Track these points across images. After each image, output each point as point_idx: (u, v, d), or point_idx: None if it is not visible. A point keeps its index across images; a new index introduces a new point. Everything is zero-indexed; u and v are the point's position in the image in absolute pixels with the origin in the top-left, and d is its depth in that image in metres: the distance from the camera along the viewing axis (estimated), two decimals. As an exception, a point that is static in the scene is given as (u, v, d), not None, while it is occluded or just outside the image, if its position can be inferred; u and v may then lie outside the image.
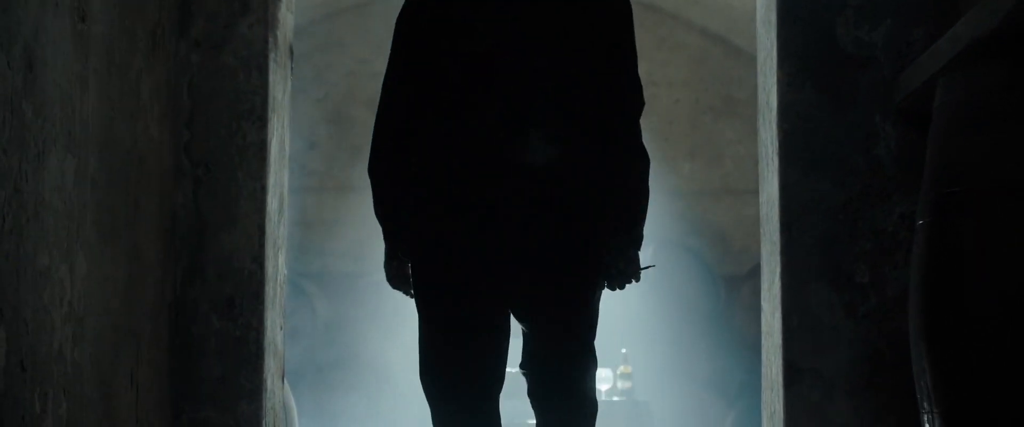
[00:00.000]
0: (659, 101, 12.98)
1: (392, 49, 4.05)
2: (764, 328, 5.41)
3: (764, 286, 5.41)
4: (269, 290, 5.18)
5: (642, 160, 4.13)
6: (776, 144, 5.17)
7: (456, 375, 3.89)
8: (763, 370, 5.43)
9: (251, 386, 5.04)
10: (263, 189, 5.11)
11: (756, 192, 13.08)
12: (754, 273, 12.01)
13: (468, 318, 3.84)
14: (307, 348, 12.24)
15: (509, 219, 3.79)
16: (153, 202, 4.81)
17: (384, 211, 4.16)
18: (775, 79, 5.17)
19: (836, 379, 4.99)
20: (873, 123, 5.07)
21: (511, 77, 3.80)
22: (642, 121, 4.29)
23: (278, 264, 5.35)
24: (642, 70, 4.15)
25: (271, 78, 5.17)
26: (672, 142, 12.93)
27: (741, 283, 12.26)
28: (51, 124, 3.78)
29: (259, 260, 5.10)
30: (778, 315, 5.10)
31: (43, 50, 3.73)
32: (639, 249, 4.09)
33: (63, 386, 3.87)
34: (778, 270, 5.12)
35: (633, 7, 4.22)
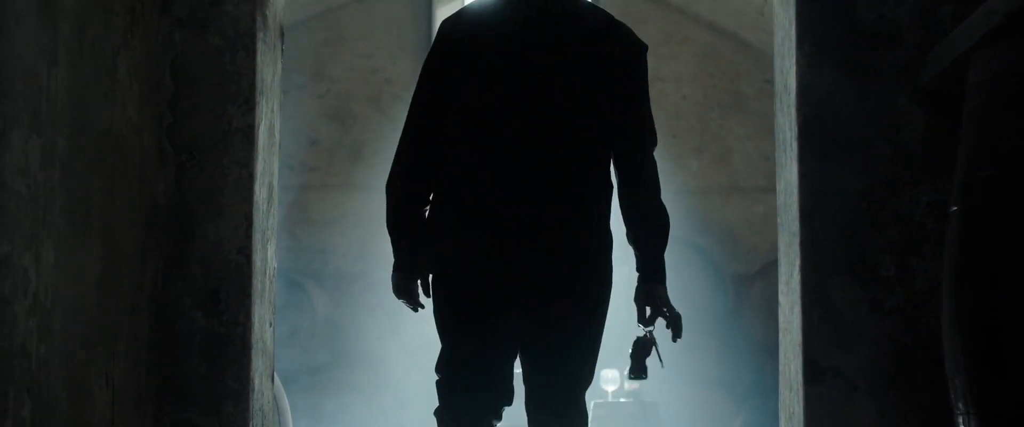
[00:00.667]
0: (666, 97, 12.65)
1: (422, 67, 4.21)
2: (782, 324, 5.08)
3: (782, 279, 5.07)
4: (257, 284, 4.85)
5: (659, 191, 4.20)
6: (795, 130, 4.83)
7: (467, 388, 4.03)
8: (781, 369, 5.09)
9: (237, 386, 4.71)
10: (250, 176, 4.78)
11: (765, 189, 12.86)
12: (763, 272, 11.69)
13: (482, 335, 3.98)
14: (306, 348, 11.93)
15: (525, 246, 3.96)
16: (131, 189, 4.47)
17: (397, 226, 4.21)
18: (793, 60, 4.83)
19: (859, 378, 4.65)
20: (898, 106, 4.73)
21: (531, 105, 3.96)
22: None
23: (267, 256, 5.02)
24: (648, 65, 4.23)
25: (259, 59, 4.83)
26: (680, 138, 12.60)
27: (750, 282, 11.96)
28: (13, 101, 3.45)
29: (246, 252, 4.77)
30: (797, 310, 4.77)
31: (4, 19, 3.40)
32: (663, 283, 4.23)
33: (26, 385, 3.54)
34: (797, 262, 4.78)
35: (640, 1, 4.02)
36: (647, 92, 4.22)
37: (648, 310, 4.25)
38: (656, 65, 12.56)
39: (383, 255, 11.58)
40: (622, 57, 4.08)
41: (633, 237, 4.18)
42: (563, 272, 3.97)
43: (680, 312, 4.28)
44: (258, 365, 4.86)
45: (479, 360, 3.98)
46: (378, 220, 12.58)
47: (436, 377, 4.06)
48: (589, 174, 4.01)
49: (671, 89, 12.75)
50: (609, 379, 10.00)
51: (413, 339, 11.47)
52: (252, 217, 4.78)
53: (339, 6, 12.79)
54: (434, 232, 4.05)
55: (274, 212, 5.21)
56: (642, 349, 4.26)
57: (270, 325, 5.09)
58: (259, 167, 4.87)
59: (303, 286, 12.09)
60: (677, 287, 11.12)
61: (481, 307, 3.96)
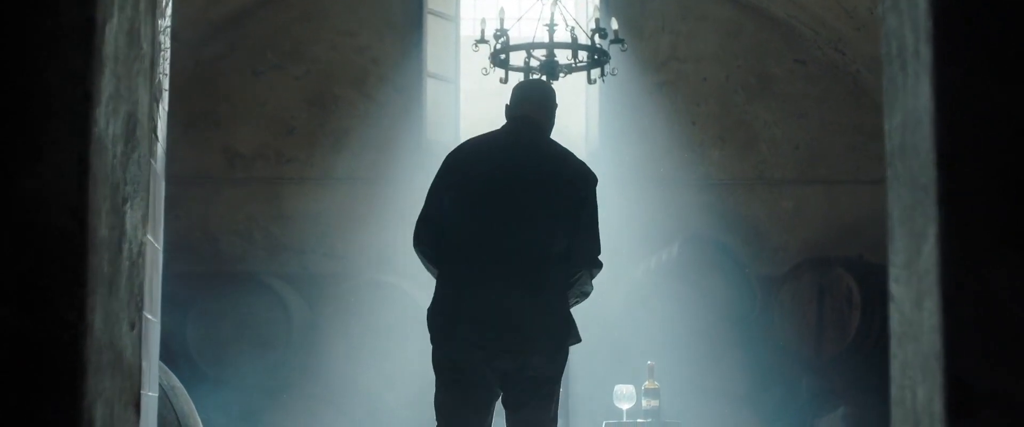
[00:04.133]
0: (685, 79, 11.03)
1: (435, 177, 5.56)
2: (898, 328, 3.24)
3: (897, 260, 3.24)
4: (100, 263, 3.03)
5: (583, 293, 5.45)
6: (926, 27, 3.00)
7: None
8: (897, 394, 3.26)
9: (59, 421, 2.89)
10: (87, 97, 2.96)
11: (795, 182, 11.15)
12: (794, 273, 10.05)
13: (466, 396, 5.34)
14: (280, 360, 10.19)
15: (495, 337, 5.22)
16: None
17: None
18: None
19: (1036, 410, 2.84)
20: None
21: (503, 217, 5.29)
22: None
23: (127, 225, 3.20)
24: (664, 43, 4.99)
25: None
26: (700, 125, 10.99)
27: (779, 285, 10.41)
28: None
29: (80, 214, 2.94)
30: (933, 306, 2.94)
31: None
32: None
33: None
34: (932, 232, 2.95)
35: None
36: (596, 216, 5.36)
37: None
38: (673, 43, 11.01)
39: (370, 255, 9.92)
40: (575, 179, 5.39)
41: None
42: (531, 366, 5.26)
43: None
44: (100, 387, 3.04)
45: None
46: (362, 216, 10.74)
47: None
48: (551, 269, 5.28)
49: (690, 70, 11.08)
50: (624, 395, 8.25)
51: (397, 352, 9.77)
52: (89, 161, 2.96)
53: (319, -24, 11.09)
54: (431, 326, 5.46)
55: (146, 163, 3.39)
56: None
57: (132, 327, 3.28)
58: (106, 85, 3.05)
59: (277, 291, 10.36)
60: (699, 291, 9.56)
61: (465, 398, 5.27)
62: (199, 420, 4.64)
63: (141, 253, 3.35)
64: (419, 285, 10.46)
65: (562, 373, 5.30)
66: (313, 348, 10.26)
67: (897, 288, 3.24)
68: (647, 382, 8.32)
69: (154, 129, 4.06)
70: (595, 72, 8.74)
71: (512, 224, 5.25)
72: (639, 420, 8.32)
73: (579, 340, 5.33)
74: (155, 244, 3.96)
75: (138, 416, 3.35)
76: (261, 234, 11.04)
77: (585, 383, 9.16)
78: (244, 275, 10.61)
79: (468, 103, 11.33)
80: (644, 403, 8.28)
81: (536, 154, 5.44)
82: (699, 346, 9.99)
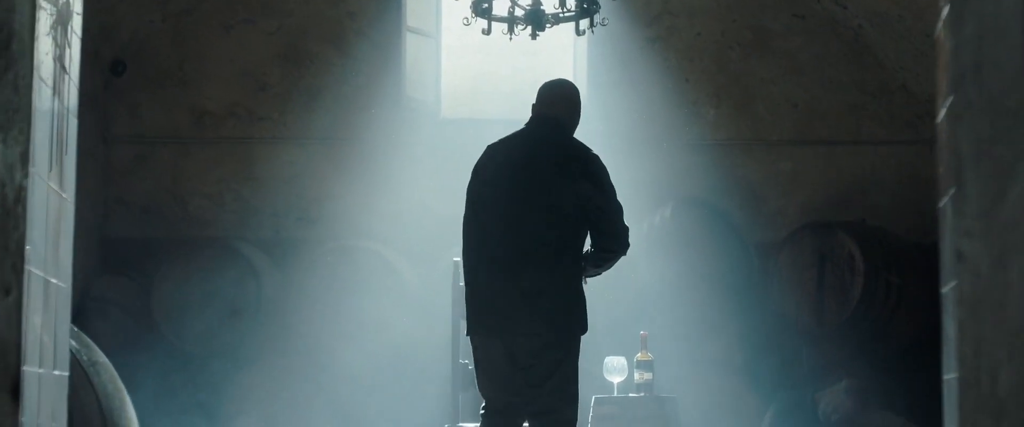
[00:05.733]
0: (678, 34, 10.46)
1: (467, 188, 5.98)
2: (970, 293, 2.56)
3: (970, 208, 2.56)
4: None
5: (614, 259, 5.84)
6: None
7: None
8: (966, 376, 2.57)
9: None
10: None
11: (794, 142, 10.42)
12: (793, 239, 9.56)
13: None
14: (250, 329, 9.58)
15: (514, 325, 5.63)
16: None
17: None
18: None
19: None
20: None
21: (515, 215, 5.64)
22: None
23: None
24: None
25: None
26: (694, 83, 10.42)
27: (777, 251, 9.99)
28: None
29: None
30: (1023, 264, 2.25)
31: None
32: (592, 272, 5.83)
33: None
34: None
35: None
36: (604, 187, 5.67)
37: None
38: (667, -6, 10.37)
39: (346, 219, 9.26)
40: (569, 160, 5.67)
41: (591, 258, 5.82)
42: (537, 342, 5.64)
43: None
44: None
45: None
46: (338, 178, 10.08)
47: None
48: (550, 254, 5.62)
49: (683, 25, 10.47)
50: (615, 368, 7.61)
51: (374, 321, 9.18)
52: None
53: (291, -77, 10.42)
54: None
55: (26, 88, 2.67)
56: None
57: (7, 293, 2.57)
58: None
59: (248, 257, 9.74)
60: (693, 257, 8.94)
61: (490, 380, 5.70)
62: (128, 400, 3.95)
63: (20, 200, 2.64)
64: (398, 250, 9.83)
65: (571, 353, 5.60)
66: (285, 317, 9.66)
67: (969, 244, 2.56)
68: (640, 354, 7.73)
69: (61, 59, 3.35)
70: (584, 22, 8.08)
71: (512, 217, 5.62)
72: (631, 394, 7.72)
73: (583, 325, 5.65)
74: (61, 194, 3.25)
75: (17, 401, 2.64)
76: (231, 197, 10.41)
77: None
78: (213, 240, 10.07)
79: (450, 59, 10.71)
80: (636, 376, 7.73)
81: (540, 148, 5.72)
82: (694, 315, 9.41)
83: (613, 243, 5.67)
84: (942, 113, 3.18)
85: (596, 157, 5.72)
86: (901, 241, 9.85)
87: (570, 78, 10.66)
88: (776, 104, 10.51)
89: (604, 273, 5.83)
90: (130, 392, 9.10)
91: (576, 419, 5.61)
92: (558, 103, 5.86)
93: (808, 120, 10.52)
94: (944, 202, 3.14)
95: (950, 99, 2.76)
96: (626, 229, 5.71)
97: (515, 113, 10.82)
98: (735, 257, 9.82)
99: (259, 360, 9.58)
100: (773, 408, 9.08)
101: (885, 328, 9.44)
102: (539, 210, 5.58)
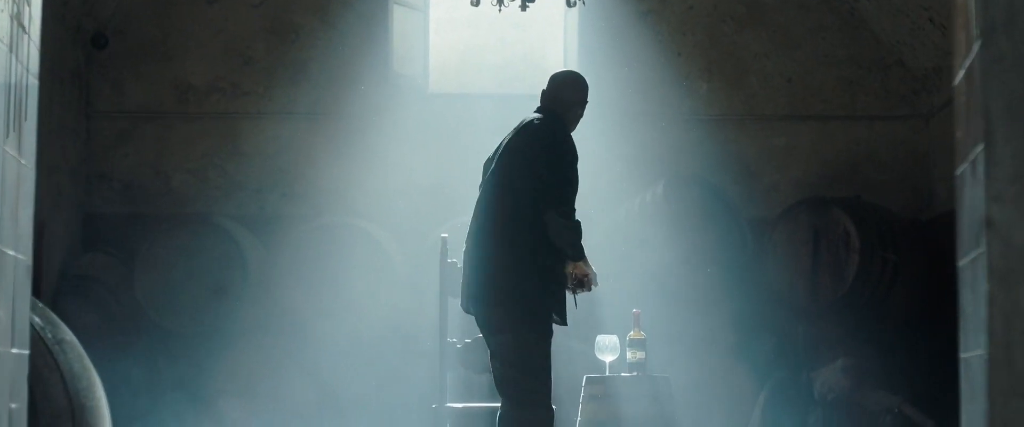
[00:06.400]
0: (670, 7, 10.31)
1: None
2: (1000, 263, 2.35)
3: (1000, 171, 2.36)
4: None
5: (559, 231, 5.67)
6: None
7: None
8: (995, 354, 2.36)
9: None
10: None
11: (787, 117, 10.23)
12: (787, 215, 9.42)
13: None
14: (235, 307, 9.38)
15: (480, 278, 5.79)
16: None
17: None
18: None
19: None
20: None
21: (482, 193, 5.87)
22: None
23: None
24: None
25: None
26: (686, 57, 10.27)
27: (771, 227, 9.82)
28: None
29: None
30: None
31: None
32: (574, 261, 5.77)
33: None
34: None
35: None
36: (555, 163, 5.70)
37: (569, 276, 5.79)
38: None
39: (332, 195, 9.06)
40: (521, 143, 5.77)
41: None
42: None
43: (594, 273, 5.81)
44: None
45: None
46: (324, 153, 9.90)
47: None
48: (514, 227, 5.70)
49: (676, -2, 10.22)
50: (606, 347, 7.39)
51: (361, 299, 8.99)
52: None
53: None
54: None
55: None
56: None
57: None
58: None
59: (232, 233, 9.55)
60: (686, 234, 8.75)
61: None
62: (97, 381, 3.72)
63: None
64: (384, 227, 9.63)
65: (517, 334, 5.63)
66: (270, 294, 9.46)
67: (1000, 209, 2.34)
68: (632, 332, 7.50)
69: (19, 17, 3.13)
70: (575, -7, 7.85)
71: (480, 195, 5.85)
72: (623, 373, 7.49)
73: (533, 308, 5.67)
74: (20, 160, 3.03)
75: None
76: (215, 173, 10.21)
77: (562, 333, 8.27)
78: (197, 216, 9.90)
79: (438, 32, 10.47)
80: (629, 355, 7.47)
81: (515, 131, 5.89)
82: (687, 293, 9.20)
83: (547, 209, 5.61)
84: (961, 73, 2.96)
85: (550, 130, 5.77)
86: (897, 217, 9.69)
87: (560, 52, 10.58)
88: (770, 78, 10.32)
89: (573, 251, 5.70)
90: (112, 371, 8.99)
91: (532, 418, 5.62)
92: (549, 87, 6.00)
93: (802, 95, 10.33)
94: (963, 168, 2.92)
95: (973, 55, 2.55)
96: (562, 198, 5.64)
97: (504, 87, 10.70)
98: (729, 234, 9.62)
99: (243, 338, 9.38)
100: (768, 387, 8.91)
101: (881, 306, 9.27)
102: (496, 185, 5.74)
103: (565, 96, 5.92)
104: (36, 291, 9.16)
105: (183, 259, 9.50)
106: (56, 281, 9.47)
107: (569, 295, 5.78)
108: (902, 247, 9.28)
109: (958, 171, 2.98)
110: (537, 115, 5.88)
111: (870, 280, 9.18)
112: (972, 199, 2.75)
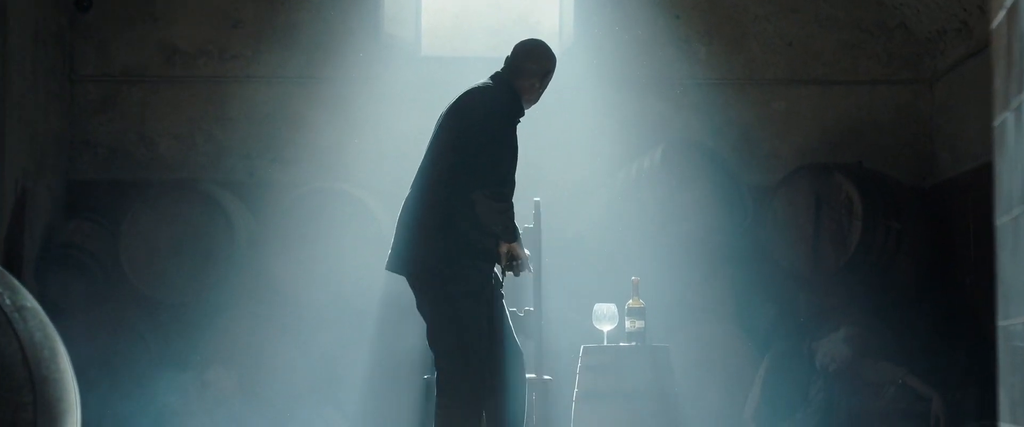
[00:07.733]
0: (668, -31, 9.92)
1: None
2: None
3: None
4: None
5: (485, 211, 5.57)
6: None
7: None
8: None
9: None
10: None
11: (788, 82, 9.97)
12: (788, 181, 9.29)
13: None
14: (222, 276, 9.19)
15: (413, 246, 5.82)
16: None
17: None
18: None
19: None
20: None
21: (426, 160, 5.82)
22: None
23: None
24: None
25: None
26: (684, 20, 10.20)
27: (772, 194, 9.58)
28: None
29: None
30: None
31: None
32: (506, 241, 5.64)
33: None
34: None
35: None
36: (484, 143, 5.63)
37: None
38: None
39: (321, 161, 8.85)
40: (451, 120, 5.77)
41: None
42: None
43: (527, 256, 5.70)
44: None
45: None
46: (314, 118, 9.66)
47: None
48: (444, 188, 5.67)
49: (674, -42, 9.99)
50: (604, 315, 7.17)
51: (350, 266, 8.92)
52: None
53: None
54: None
55: None
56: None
57: None
58: None
59: (220, 200, 9.35)
60: (685, 201, 8.53)
61: None
62: (62, 350, 3.46)
63: None
64: (375, 193, 9.40)
65: (439, 293, 5.65)
66: (259, 262, 9.26)
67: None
68: (631, 300, 7.29)
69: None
70: (571, -49, 7.60)
71: (417, 176, 5.82)
72: (622, 343, 7.26)
73: (456, 271, 5.62)
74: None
75: None
76: (203, 138, 9.98)
77: (559, 301, 8.05)
78: (184, 183, 9.69)
79: (431, -6, 10.20)
80: (628, 324, 7.29)
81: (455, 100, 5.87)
82: (686, 261, 8.97)
83: (475, 190, 5.55)
84: (1001, 14, 2.70)
85: (486, 104, 5.71)
86: (900, 184, 9.47)
87: (555, 14, 10.31)
88: (770, 42, 10.08)
89: (504, 225, 5.59)
90: (97, 341, 8.76)
91: (467, 396, 5.61)
92: (508, 53, 5.92)
93: (803, 59, 10.10)
94: (1003, 116, 2.66)
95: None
96: (492, 179, 5.56)
97: (497, 50, 10.26)
98: (728, 200, 9.38)
99: (231, 307, 9.16)
100: (768, 357, 8.68)
101: (884, 274, 9.05)
102: (428, 153, 5.77)
103: (523, 65, 5.80)
104: (19, 259, 9.01)
105: (169, 227, 9.29)
106: (39, 249, 9.24)
107: (497, 270, 5.69)
108: (906, 214, 9.08)
109: (996, 121, 2.72)
110: (486, 82, 5.80)
111: (873, 248, 8.96)
112: (1016, 150, 2.49)
